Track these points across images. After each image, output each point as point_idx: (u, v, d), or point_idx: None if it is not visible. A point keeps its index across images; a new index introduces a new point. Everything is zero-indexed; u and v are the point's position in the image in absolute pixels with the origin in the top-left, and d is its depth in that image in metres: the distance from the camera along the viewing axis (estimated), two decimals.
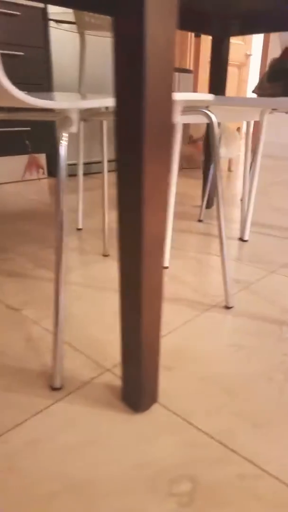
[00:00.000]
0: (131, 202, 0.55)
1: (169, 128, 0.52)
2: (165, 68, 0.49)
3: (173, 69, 0.50)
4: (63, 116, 0.63)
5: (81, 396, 0.72)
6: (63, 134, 0.61)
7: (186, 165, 3.23)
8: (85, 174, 2.74)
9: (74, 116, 0.64)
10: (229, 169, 3.13)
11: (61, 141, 0.61)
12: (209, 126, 0.88)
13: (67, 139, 0.61)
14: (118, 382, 0.75)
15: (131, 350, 0.65)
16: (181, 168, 3.21)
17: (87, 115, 0.86)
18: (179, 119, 1.01)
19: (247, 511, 0.52)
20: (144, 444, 0.62)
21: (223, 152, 2.84)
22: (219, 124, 1.72)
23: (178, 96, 0.68)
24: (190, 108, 0.86)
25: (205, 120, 1.04)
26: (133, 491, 0.54)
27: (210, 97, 0.76)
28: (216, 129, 0.88)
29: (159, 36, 0.47)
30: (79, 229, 1.65)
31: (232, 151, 2.62)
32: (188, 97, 0.69)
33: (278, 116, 4.05)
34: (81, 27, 1.34)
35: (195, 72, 4.04)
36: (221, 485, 0.55)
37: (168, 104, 0.51)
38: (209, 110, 0.89)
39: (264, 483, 0.56)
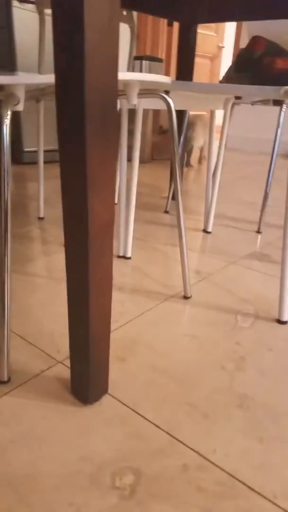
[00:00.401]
0: (75, 185, 0.53)
1: (113, 106, 0.50)
2: (107, 41, 0.47)
3: (117, 42, 0.48)
4: (8, 92, 0.59)
5: (29, 389, 0.69)
6: (7, 112, 0.58)
7: (157, 156, 3.21)
8: (50, 162, 2.68)
9: (20, 94, 0.61)
10: (200, 161, 3.13)
11: (5, 120, 0.58)
12: (168, 111, 0.86)
13: (9, 117, 0.58)
14: (69, 374, 0.73)
15: (79, 342, 0.63)
16: (152, 159, 3.19)
17: (39, 94, 0.82)
18: (137, 102, 0.99)
19: (188, 502, 0.51)
20: (90, 436, 0.60)
21: (200, 141, 2.83)
22: (186, 113, 1.70)
23: (131, 75, 0.66)
24: (148, 91, 0.84)
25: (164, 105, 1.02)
26: (75, 485, 0.53)
27: (167, 79, 0.74)
28: (174, 115, 0.86)
29: (102, 8, 0.45)
30: (40, 218, 1.61)
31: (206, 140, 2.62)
32: (142, 77, 0.67)
33: (244, 110, 4.08)
34: (40, 5, 1.29)
35: (167, 61, 4.01)
36: (164, 477, 0.54)
37: (111, 80, 0.49)
38: (167, 95, 0.87)
39: (208, 474, 0.55)
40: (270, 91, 0.90)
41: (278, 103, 1.44)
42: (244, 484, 0.54)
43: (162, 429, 0.62)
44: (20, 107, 0.62)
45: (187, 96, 1.05)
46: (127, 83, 0.77)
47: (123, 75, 0.66)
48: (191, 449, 0.59)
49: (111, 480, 0.53)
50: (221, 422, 0.64)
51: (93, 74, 0.47)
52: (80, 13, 0.43)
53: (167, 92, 0.96)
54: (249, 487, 0.53)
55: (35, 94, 0.86)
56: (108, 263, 0.59)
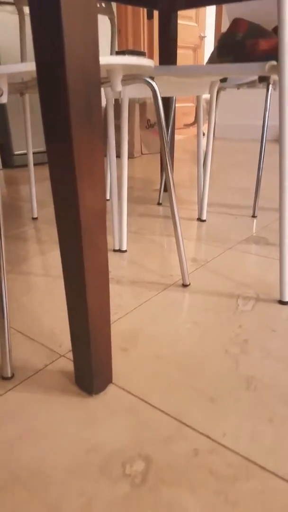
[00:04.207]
0: (63, 173, 0.51)
1: (96, 89, 0.49)
2: (86, 24, 0.45)
3: (96, 25, 0.47)
4: None
5: (33, 383, 0.68)
6: None
7: (146, 150, 3.20)
8: (41, 163, 2.66)
9: (3, 85, 0.59)
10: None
11: None
12: (153, 97, 0.85)
13: None
14: (72, 367, 0.72)
15: (79, 332, 0.62)
16: (141, 153, 3.17)
17: (23, 87, 0.81)
18: (122, 90, 0.98)
19: (201, 486, 0.50)
20: (97, 427, 0.59)
21: None
22: (172, 104, 1.69)
23: (113, 59, 0.64)
24: (133, 76, 0.83)
25: (150, 93, 1.01)
26: (85, 476, 0.52)
27: (150, 62, 0.73)
28: (160, 100, 0.85)
29: None
30: (34, 218, 1.59)
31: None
32: (124, 61, 0.66)
33: (230, 97, 4.06)
34: (19, 3, 1.28)
35: (149, 55, 4.00)
36: (176, 462, 0.53)
37: (93, 63, 0.48)
38: (152, 80, 0.86)
39: (219, 457, 0.54)
40: (255, 68, 0.89)
41: (264, 80, 1.42)
42: (257, 465, 0.53)
43: (170, 416, 0.61)
44: (3, 99, 0.60)
45: (171, 82, 1.04)
46: (110, 69, 0.76)
47: (105, 59, 0.65)
48: (201, 433, 0.58)
49: (121, 468, 0.52)
50: (229, 405, 0.63)
51: (73, 59, 0.45)
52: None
53: (151, 78, 0.95)
54: (263, 468, 0.53)
55: (18, 87, 0.85)
56: (102, 252, 0.58)
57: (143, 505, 0.48)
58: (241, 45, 1.39)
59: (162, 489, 0.50)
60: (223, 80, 1.59)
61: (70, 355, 0.75)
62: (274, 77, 1.44)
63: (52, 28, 0.44)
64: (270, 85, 1.47)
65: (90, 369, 0.63)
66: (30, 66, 0.60)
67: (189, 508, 0.47)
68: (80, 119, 0.48)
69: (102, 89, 1.19)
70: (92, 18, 0.46)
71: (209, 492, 0.49)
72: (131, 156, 3.04)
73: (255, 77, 1.53)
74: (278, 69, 0.87)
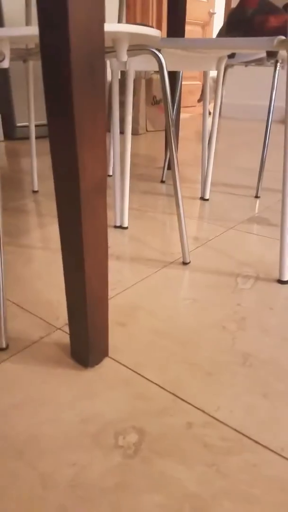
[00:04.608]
0: (64, 140, 0.50)
1: (101, 55, 0.47)
2: None
3: None
4: None
5: (28, 355, 0.68)
6: None
7: (151, 127, 3.16)
8: (43, 137, 2.62)
9: (5, 49, 0.58)
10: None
11: None
12: (159, 69, 0.83)
13: None
14: (69, 340, 0.72)
15: (76, 302, 0.62)
16: (146, 130, 3.13)
17: (26, 54, 0.79)
18: (128, 62, 0.95)
19: (194, 458, 0.50)
20: (92, 398, 0.59)
21: None
22: (178, 80, 1.65)
23: (118, 27, 0.62)
24: (139, 47, 0.80)
25: (156, 66, 0.99)
26: (78, 447, 0.52)
27: (156, 32, 0.71)
28: (166, 72, 0.83)
29: None
30: (35, 192, 1.58)
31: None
32: (130, 29, 0.64)
33: (238, 75, 3.99)
34: None
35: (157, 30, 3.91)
36: (169, 435, 0.54)
37: (98, 26, 0.46)
38: (159, 51, 0.83)
39: (213, 431, 0.54)
40: (263, 42, 0.87)
41: (272, 57, 1.39)
42: (250, 439, 0.53)
43: (165, 389, 0.61)
44: (5, 64, 0.59)
45: (178, 55, 1.01)
46: (116, 38, 0.74)
47: (111, 25, 0.63)
48: (196, 407, 0.58)
49: (114, 439, 0.53)
50: (225, 380, 0.63)
51: (77, 21, 0.44)
52: None
53: (158, 51, 0.92)
54: (256, 442, 0.53)
55: (22, 53, 0.82)
56: (102, 222, 0.57)
57: (135, 475, 0.48)
58: (251, 21, 1.35)
59: (154, 460, 0.50)
60: (231, 56, 1.55)
61: (67, 328, 0.75)
62: (282, 54, 1.40)
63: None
64: (278, 64, 1.43)
65: (86, 341, 0.63)
66: (33, 30, 0.58)
67: (181, 479, 0.48)
68: (83, 82, 0.47)
69: (107, 61, 1.17)
70: None
71: (201, 464, 0.49)
72: (136, 132, 3.00)
73: (263, 54, 1.49)
74: (286, 44, 0.85)
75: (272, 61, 1.45)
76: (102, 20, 0.47)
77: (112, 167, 1.49)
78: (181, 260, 1.03)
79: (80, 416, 0.56)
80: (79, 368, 0.65)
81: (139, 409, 0.58)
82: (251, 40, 0.88)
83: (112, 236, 1.17)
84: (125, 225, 1.25)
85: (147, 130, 3.14)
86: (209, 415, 0.57)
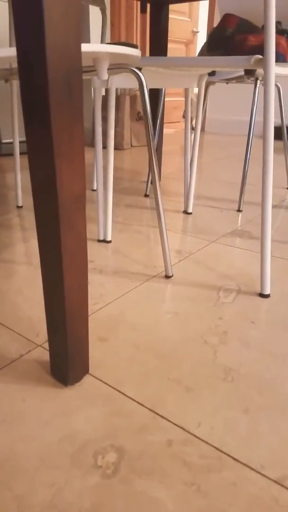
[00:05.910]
0: (41, 155, 0.50)
1: (78, 75, 0.47)
2: (68, 5, 0.44)
3: (78, 7, 0.45)
4: None
5: (7, 373, 0.67)
6: None
7: (136, 142, 3.18)
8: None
9: None
10: None
11: None
12: (139, 87, 0.84)
13: None
14: (49, 357, 0.71)
15: (56, 318, 0.61)
16: (131, 146, 3.15)
17: (8, 74, 0.79)
18: (110, 79, 0.96)
19: (174, 477, 0.50)
20: (70, 417, 0.58)
21: None
22: (161, 96, 1.67)
23: (98, 47, 0.63)
24: (119, 65, 0.81)
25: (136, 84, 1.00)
26: (56, 466, 0.51)
27: (136, 52, 0.72)
28: (146, 91, 0.83)
29: None
30: (19, 207, 1.57)
31: None
32: (109, 49, 0.64)
33: (221, 92, 4.06)
34: None
35: (141, 48, 3.97)
36: (148, 453, 0.53)
37: (74, 42, 0.46)
38: (139, 70, 0.84)
39: (193, 448, 0.54)
40: (240, 61, 0.88)
41: (250, 75, 1.42)
42: (230, 456, 0.53)
43: (145, 406, 0.60)
44: None
45: (159, 73, 1.02)
46: (96, 58, 0.74)
47: (90, 46, 0.63)
48: (175, 424, 0.57)
49: (93, 459, 0.52)
50: (206, 395, 0.63)
51: (54, 43, 0.44)
52: None
53: (139, 69, 0.93)
54: (235, 459, 0.52)
55: (4, 74, 0.83)
56: (81, 235, 0.57)
57: (114, 495, 0.47)
58: (231, 40, 1.37)
59: (133, 479, 0.49)
60: (211, 74, 1.58)
61: (47, 345, 0.74)
62: (260, 72, 1.43)
63: (32, 11, 0.43)
64: (258, 81, 1.46)
65: (66, 358, 0.62)
66: (13, 51, 0.58)
67: (160, 499, 0.47)
68: (60, 100, 0.47)
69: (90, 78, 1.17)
70: (75, 2, 0.45)
71: (181, 483, 0.49)
72: (120, 147, 3.02)
73: (242, 72, 1.52)
74: (263, 63, 0.87)
75: (252, 78, 1.48)
76: (78, 40, 0.48)
77: (96, 181, 1.49)
78: (163, 273, 1.03)
79: (59, 435, 0.55)
80: (59, 386, 0.64)
81: (119, 427, 0.57)
82: (229, 59, 0.90)
83: (96, 250, 1.17)
84: (109, 238, 1.25)
85: (131, 145, 3.16)
86: (189, 432, 0.56)
